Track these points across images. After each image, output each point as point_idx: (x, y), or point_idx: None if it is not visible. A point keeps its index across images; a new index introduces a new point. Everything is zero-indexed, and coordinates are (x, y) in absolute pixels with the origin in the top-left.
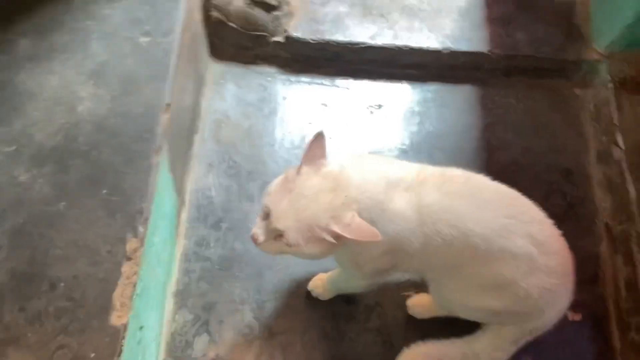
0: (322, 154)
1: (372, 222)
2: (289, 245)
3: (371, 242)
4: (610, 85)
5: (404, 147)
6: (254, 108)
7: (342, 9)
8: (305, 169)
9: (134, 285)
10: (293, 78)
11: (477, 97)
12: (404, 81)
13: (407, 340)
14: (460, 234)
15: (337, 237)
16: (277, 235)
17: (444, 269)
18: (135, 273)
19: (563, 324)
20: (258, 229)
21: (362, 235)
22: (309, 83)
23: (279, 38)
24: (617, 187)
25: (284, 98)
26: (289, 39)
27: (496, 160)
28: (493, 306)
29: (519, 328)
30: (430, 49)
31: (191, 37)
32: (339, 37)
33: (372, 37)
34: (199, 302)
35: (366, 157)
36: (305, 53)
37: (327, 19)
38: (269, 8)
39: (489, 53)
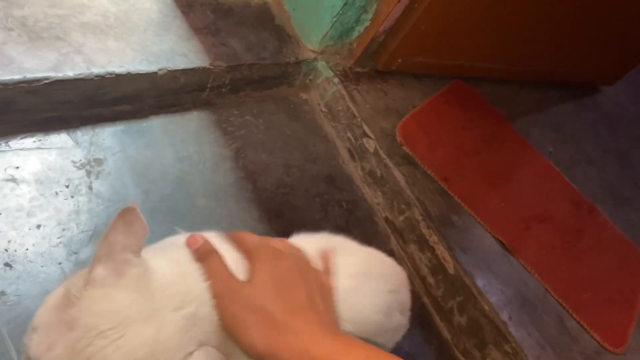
0: (134, 244)
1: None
2: None
3: None
4: (336, 80)
5: (144, 203)
6: None
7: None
8: (100, 272)
9: None
10: None
11: (212, 123)
12: (117, 122)
13: None
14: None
15: None
16: None
17: None
18: None
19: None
20: None
21: None
22: None
23: None
24: (382, 178)
25: None
26: None
27: (262, 187)
28: None
29: None
30: (142, 72)
31: None
32: (4, 75)
33: (55, 68)
34: None
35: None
36: None
37: None
38: None
39: (211, 67)
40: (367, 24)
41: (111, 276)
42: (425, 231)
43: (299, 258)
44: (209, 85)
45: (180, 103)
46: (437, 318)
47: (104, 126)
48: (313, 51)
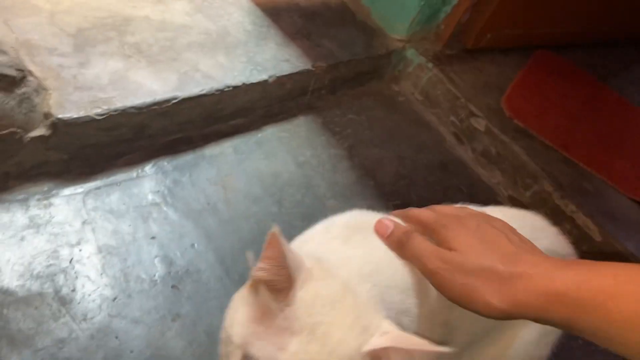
0: (297, 262)
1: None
2: None
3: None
4: (430, 64)
5: (279, 212)
6: (42, 266)
7: (116, 64)
8: (299, 290)
9: None
10: (84, 187)
11: (319, 125)
12: (235, 136)
13: None
14: None
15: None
16: None
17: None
18: None
19: None
20: None
21: (415, 344)
22: (114, 185)
23: (39, 131)
24: (499, 155)
25: (85, 222)
26: (59, 124)
27: (382, 181)
28: None
29: None
30: (254, 82)
31: None
32: (137, 100)
33: (180, 87)
34: None
35: (325, 233)
36: (90, 141)
37: (103, 82)
38: (9, 85)
39: (313, 68)
40: (455, 2)
41: (308, 281)
42: (560, 202)
43: (476, 213)
44: (310, 89)
45: (287, 110)
46: None
47: (224, 141)
48: (400, 40)
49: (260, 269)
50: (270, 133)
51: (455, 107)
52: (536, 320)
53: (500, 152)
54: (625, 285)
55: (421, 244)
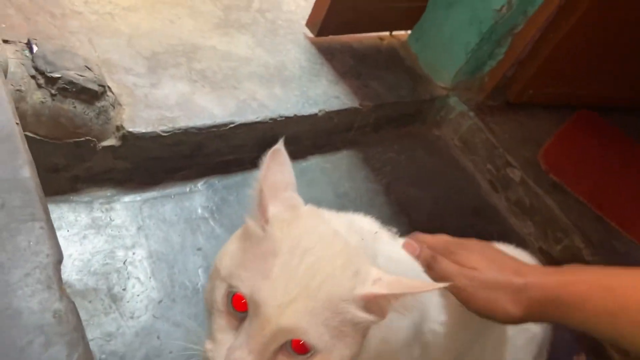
0: (291, 182)
1: None
2: (304, 354)
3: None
4: (472, 113)
5: None
6: (99, 264)
7: (183, 87)
8: (274, 210)
9: None
10: (142, 196)
11: (360, 160)
12: None
13: None
14: None
15: (373, 307)
16: (278, 347)
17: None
18: None
19: None
20: (235, 351)
21: (410, 287)
22: (169, 197)
23: (110, 141)
24: (532, 207)
25: (140, 228)
26: (129, 137)
27: (417, 219)
28: None
29: None
30: (305, 115)
31: None
32: (199, 121)
33: (238, 113)
34: None
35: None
36: (153, 154)
37: (171, 102)
38: (91, 98)
39: (360, 106)
40: (501, 57)
41: (286, 211)
42: (589, 258)
43: (472, 239)
44: (355, 125)
45: (332, 143)
46: (611, 351)
47: None
48: (445, 88)
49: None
50: (314, 163)
51: (493, 156)
52: (542, 321)
53: (533, 204)
54: (596, 290)
55: (448, 266)
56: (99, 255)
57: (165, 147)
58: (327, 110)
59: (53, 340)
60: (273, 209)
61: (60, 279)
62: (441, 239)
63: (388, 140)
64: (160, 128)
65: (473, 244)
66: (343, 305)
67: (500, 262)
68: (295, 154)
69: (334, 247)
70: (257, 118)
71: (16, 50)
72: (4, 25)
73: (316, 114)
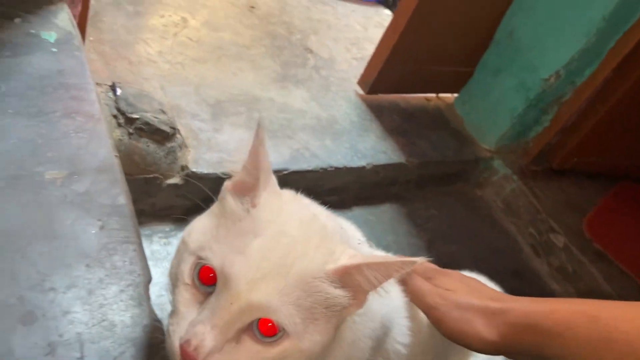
0: (269, 165)
1: None
2: (271, 337)
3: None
4: (515, 177)
5: None
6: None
7: (242, 134)
8: (265, 195)
9: None
10: None
11: (403, 215)
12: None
13: None
14: None
15: (349, 285)
16: (243, 326)
17: None
18: None
19: None
20: (196, 325)
21: (383, 258)
22: None
23: (175, 179)
24: (575, 274)
25: None
26: (191, 177)
27: None
28: None
29: None
30: (353, 167)
31: None
32: None
33: (291, 162)
34: None
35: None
36: (212, 193)
37: (230, 147)
38: (163, 138)
39: (407, 163)
40: (547, 124)
41: (270, 196)
42: None
43: (453, 271)
44: (400, 180)
45: (376, 196)
46: None
47: None
48: (489, 150)
49: (232, 176)
50: (358, 214)
51: (536, 221)
52: (516, 351)
53: (576, 271)
54: (580, 319)
55: (423, 283)
56: (155, 286)
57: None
58: (374, 163)
59: (142, 354)
60: (264, 194)
61: (149, 297)
62: (422, 264)
63: (431, 197)
64: (220, 170)
65: (454, 272)
66: (315, 283)
67: (478, 289)
68: (341, 203)
69: (310, 229)
70: (308, 167)
71: (101, 92)
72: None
73: (364, 167)
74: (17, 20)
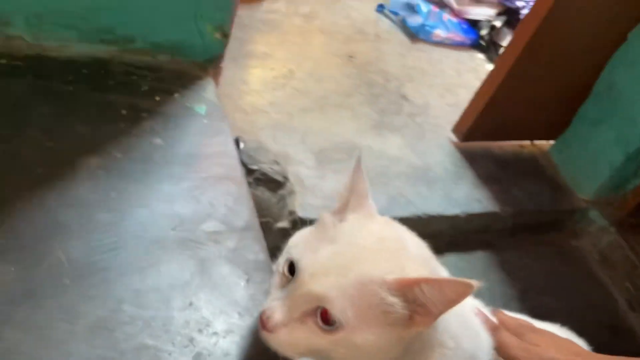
0: (366, 192)
1: None
2: (329, 326)
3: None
4: (612, 229)
5: None
6: None
7: (343, 179)
8: (352, 214)
9: None
10: None
11: (496, 263)
12: None
13: None
14: None
15: (409, 298)
16: (307, 310)
17: None
18: None
19: None
20: (273, 301)
21: (457, 288)
22: None
23: (283, 223)
24: None
25: None
26: (298, 221)
27: None
28: None
29: None
30: (447, 215)
31: None
32: None
33: (387, 208)
34: None
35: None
36: None
37: (332, 193)
38: (276, 186)
39: (501, 212)
40: None
41: (363, 217)
42: None
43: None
44: (493, 228)
45: (469, 243)
46: None
47: None
48: (585, 200)
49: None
50: (451, 260)
51: (633, 275)
52: None
53: None
54: None
55: (510, 337)
56: None
57: None
58: (468, 212)
59: None
60: (352, 214)
61: None
62: (516, 320)
63: (524, 246)
64: None
65: (546, 331)
66: (373, 287)
67: (566, 347)
68: (434, 249)
69: (385, 245)
70: (404, 214)
71: None
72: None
73: (458, 215)
74: (176, 95)
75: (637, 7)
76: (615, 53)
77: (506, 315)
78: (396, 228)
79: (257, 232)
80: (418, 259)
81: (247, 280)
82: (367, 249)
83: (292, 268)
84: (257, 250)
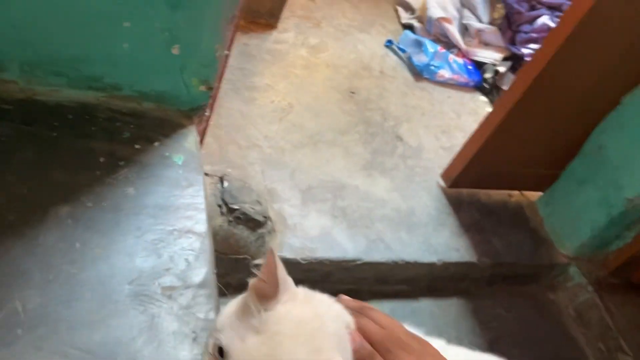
0: (284, 278)
1: None
2: None
3: None
4: (590, 288)
5: None
6: None
7: (325, 221)
8: (273, 301)
9: None
10: None
11: (469, 311)
12: (394, 299)
13: None
14: None
15: None
16: None
17: None
18: None
19: None
20: None
21: None
22: None
23: (261, 260)
24: None
25: None
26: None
27: None
28: None
29: None
30: (424, 262)
31: None
32: (332, 254)
33: (365, 252)
34: None
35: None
36: (291, 276)
37: (313, 234)
38: (255, 226)
39: (478, 263)
40: (629, 240)
41: (286, 303)
42: None
43: (418, 338)
44: (470, 277)
45: (444, 289)
46: None
47: (385, 302)
48: (566, 256)
49: (256, 277)
50: (424, 305)
51: (606, 336)
52: None
53: None
54: None
55: None
56: None
57: (300, 272)
58: (445, 260)
59: None
60: (274, 302)
61: None
62: (384, 333)
63: (500, 295)
64: (301, 256)
65: (415, 344)
66: None
67: None
68: (409, 293)
69: (305, 329)
70: (381, 259)
71: (212, 183)
72: (204, 152)
73: (434, 263)
74: (156, 143)
75: (633, 72)
76: (607, 116)
77: (379, 315)
78: (315, 304)
79: (212, 289)
80: (334, 339)
81: (194, 339)
82: (288, 337)
83: (221, 350)
84: (208, 309)
